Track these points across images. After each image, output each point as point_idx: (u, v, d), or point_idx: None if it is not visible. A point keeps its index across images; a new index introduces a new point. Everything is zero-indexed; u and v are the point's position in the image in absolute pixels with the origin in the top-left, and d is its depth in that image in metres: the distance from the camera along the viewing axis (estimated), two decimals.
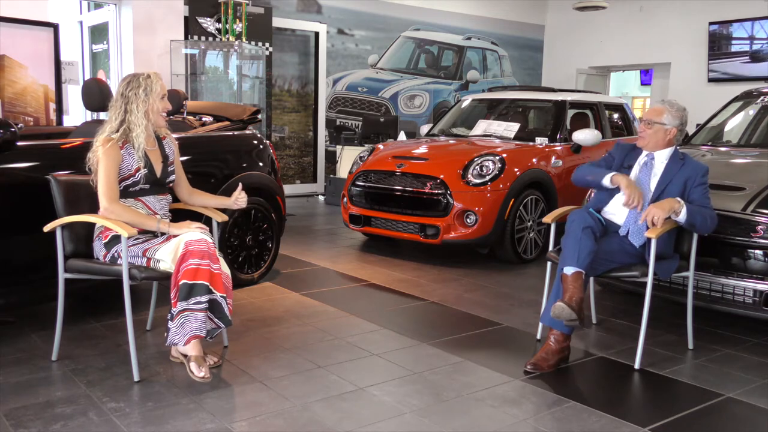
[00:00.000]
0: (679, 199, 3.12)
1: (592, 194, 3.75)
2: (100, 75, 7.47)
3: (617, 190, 3.29)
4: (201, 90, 7.70)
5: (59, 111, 5.79)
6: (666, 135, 3.28)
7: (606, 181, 3.27)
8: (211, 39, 7.76)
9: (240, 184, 3.31)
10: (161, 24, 7.11)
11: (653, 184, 3.29)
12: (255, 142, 4.57)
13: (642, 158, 3.37)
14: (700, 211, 3.15)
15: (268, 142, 4.73)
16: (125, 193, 2.95)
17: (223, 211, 3.32)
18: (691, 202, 3.18)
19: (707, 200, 3.22)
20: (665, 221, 3.08)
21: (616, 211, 3.33)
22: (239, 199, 3.25)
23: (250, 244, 4.36)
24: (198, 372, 2.72)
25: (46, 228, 2.89)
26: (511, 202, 5.11)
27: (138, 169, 2.95)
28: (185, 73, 7.44)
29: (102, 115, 5.09)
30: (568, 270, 3.05)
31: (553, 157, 5.57)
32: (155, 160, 3.05)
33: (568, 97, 6.23)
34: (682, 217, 3.10)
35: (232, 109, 4.96)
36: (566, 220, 3.22)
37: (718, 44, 9.55)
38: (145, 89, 2.96)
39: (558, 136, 5.85)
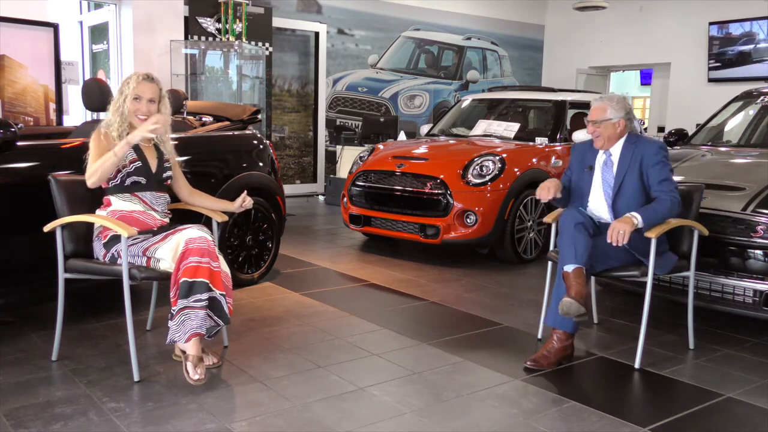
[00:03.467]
0: (633, 214, 3.09)
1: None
2: (100, 75, 7.47)
3: (588, 186, 3.37)
4: (201, 90, 7.70)
5: (59, 111, 5.79)
6: (616, 128, 3.30)
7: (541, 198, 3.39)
8: (211, 39, 7.76)
9: (245, 191, 3.30)
10: (161, 24, 7.11)
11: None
12: (255, 142, 4.57)
13: (600, 158, 3.38)
14: (657, 210, 3.12)
15: (268, 142, 4.73)
16: (121, 187, 2.95)
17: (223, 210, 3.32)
18: (651, 188, 3.21)
19: (667, 182, 3.18)
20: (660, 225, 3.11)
21: (598, 207, 3.36)
22: (243, 205, 3.25)
23: (250, 244, 4.36)
24: (193, 374, 2.72)
25: (46, 228, 2.89)
26: (511, 202, 5.11)
27: (133, 161, 2.96)
28: (185, 73, 7.44)
29: (102, 115, 5.12)
30: (569, 267, 3.06)
31: (553, 157, 5.57)
32: (150, 156, 3.05)
33: (568, 97, 6.23)
34: (640, 224, 3.09)
35: (232, 109, 4.96)
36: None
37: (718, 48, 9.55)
38: (122, 89, 3.00)
39: (558, 136, 5.85)
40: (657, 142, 3.31)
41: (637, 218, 3.09)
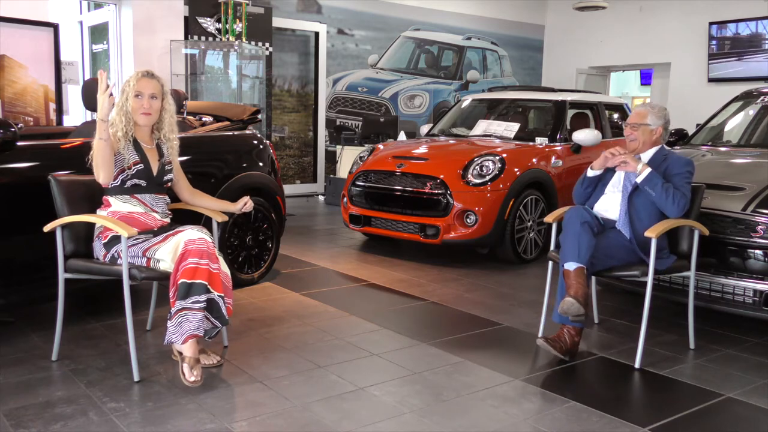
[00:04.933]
0: (647, 166, 3.25)
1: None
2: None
3: (605, 186, 3.42)
4: (201, 90, 7.70)
5: (59, 111, 5.80)
6: (652, 135, 3.38)
7: (589, 173, 3.46)
8: (211, 39, 7.76)
9: (248, 196, 3.31)
10: (161, 24, 7.11)
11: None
12: (255, 142, 4.57)
13: None
14: (664, 185, 3.20)
15: (268, 142, 4.73)
16: (121, 189, 2.95)
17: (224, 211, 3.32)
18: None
19: (682, 187, 3.24)
20: (660, 224, 3.12)
21: (608, 207, 3.38)
22: (244, 207, 3.25)
23: (250, 244, 4.36)
24: (189, 376, 2.71)
25: (46, 228, 2.89)
26: (511, 202, 5.11)
27: (135, 163, 2.95)
28: (185, 73, 7.44)
29: None
30: (570, 265, 3.07)
31: (553, 157, 5.57)
32: (152, 158, 3.04)
33: (568, 97, 6.23)
34: (641, 177, 3.21)
35: (232, 109, 4.96)
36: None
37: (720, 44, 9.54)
38: (123, 89, 3.00)
39: (558, 136, 5.84)
40: (687, 159, 3.37)
41: (647, 168, 3.20)
